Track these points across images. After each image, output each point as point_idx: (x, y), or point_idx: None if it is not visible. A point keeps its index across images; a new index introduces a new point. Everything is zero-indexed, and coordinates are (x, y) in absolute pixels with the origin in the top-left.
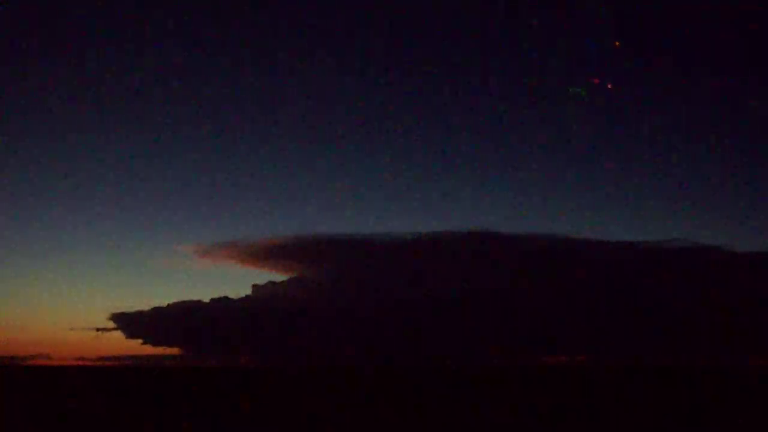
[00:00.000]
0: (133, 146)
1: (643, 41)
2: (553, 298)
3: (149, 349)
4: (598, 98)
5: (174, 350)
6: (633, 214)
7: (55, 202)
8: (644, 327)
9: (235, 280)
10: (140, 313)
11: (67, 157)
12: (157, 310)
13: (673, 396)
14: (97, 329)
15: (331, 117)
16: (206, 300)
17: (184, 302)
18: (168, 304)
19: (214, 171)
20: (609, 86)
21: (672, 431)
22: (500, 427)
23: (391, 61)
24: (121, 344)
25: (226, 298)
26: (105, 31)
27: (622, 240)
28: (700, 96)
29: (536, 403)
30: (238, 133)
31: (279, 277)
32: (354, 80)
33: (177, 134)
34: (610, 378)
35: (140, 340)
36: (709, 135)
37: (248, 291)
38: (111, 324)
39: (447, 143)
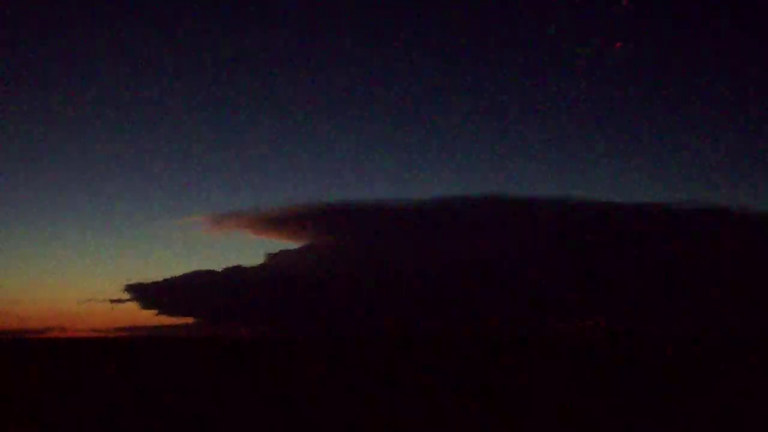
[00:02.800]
0: (145, 117)
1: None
2: (568, 261)
3: (164, 320)
4: (611, 59)
5: (188, 320)
6: (647, 175)
7: (68, 174)
8: (659, 289)
9: (249, 249)
10: (154, 284)
11: (79, 128)
12: (171, 281)
13: (688, 360)
14: (112, 301)
15: (343, 85)
16: (219, 269)
17: (197, 272)
18: (182, 275)
19: (226, 141)
20: (618, 46)
21: (686, 396)
22: (513, 392)
23: (403, 28)
24: (135, 315)
25: (239, 267)
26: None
27: (635, 202)
28: (715, 55)
29: (549, 369)
30: (250, 103)
31: (292, 245)
32: (365, 47)
33: (189, 105)
34: (625, 342)
35: (155, 311)
36: (723, 95)
37: (261, 260)
38: (126, 295)
39: (459, 107)
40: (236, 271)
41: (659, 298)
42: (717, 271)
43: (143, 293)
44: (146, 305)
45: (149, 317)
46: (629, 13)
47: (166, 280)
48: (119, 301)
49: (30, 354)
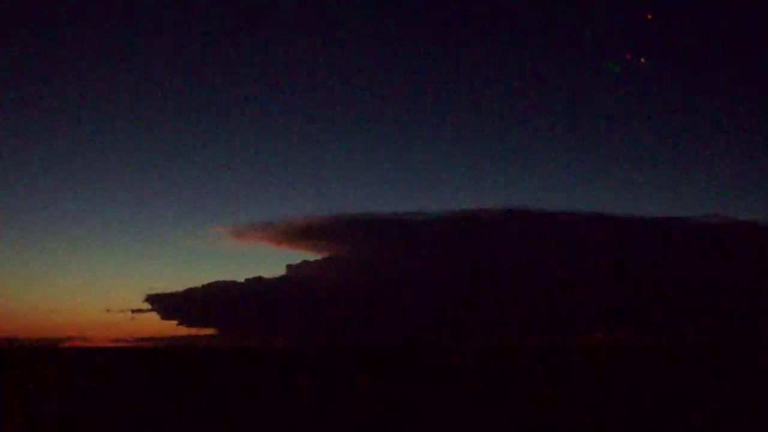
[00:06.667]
0: (168, 128)
1: (676, 14)
2: (589, 275)
3: (184, 330)
4: (632, 74)
5: (209, 331)
6: (668, 190)
7: (90, 185)
8: (680, 303)
9: (270, 261)
10: (175, 294)
11: (102, 138)
12: (192, 291)
13: (708, 373)
14: (133, 311)
15: (364, 97)
16: (241, 280)
17: (218, 283)
18: (203, 285)
19: (248, 152)
20: (642, 61)
21: (709, 408)
22: (533, 405)
23: (424, 40)
24: (156, 325)
25: (260, 278)
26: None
27: (657, 216)
28: (737, 69)
29: (568, 382)
30: (272, 114)
31: (313, 256)
32: (386, 59)
33: (211, 115)
34: (646, 356)
35: (175, 321)
36: (745, 109)
37: (282, 271)
38: (146, 305)
39: (480, 121)
40: (258, 281)
41: (677, 311)
42: (736, 285)
43: (164, 303)
44: (167, 316)
45: (170, 327)
46: (653, 28)
47: (187, 291)
48: (140, 311)
49: (50, 363)
